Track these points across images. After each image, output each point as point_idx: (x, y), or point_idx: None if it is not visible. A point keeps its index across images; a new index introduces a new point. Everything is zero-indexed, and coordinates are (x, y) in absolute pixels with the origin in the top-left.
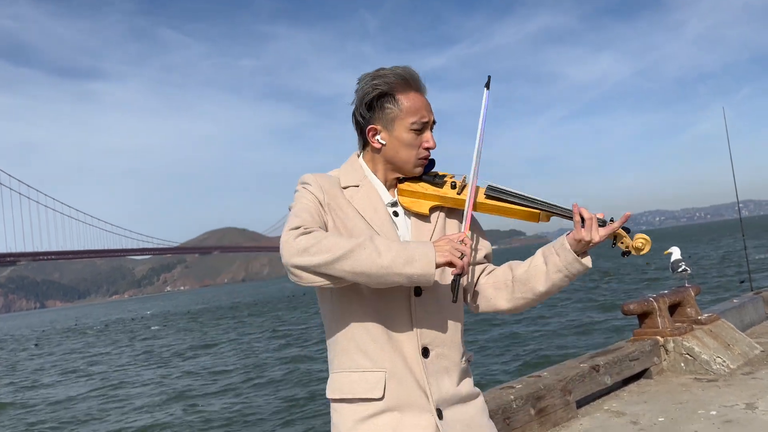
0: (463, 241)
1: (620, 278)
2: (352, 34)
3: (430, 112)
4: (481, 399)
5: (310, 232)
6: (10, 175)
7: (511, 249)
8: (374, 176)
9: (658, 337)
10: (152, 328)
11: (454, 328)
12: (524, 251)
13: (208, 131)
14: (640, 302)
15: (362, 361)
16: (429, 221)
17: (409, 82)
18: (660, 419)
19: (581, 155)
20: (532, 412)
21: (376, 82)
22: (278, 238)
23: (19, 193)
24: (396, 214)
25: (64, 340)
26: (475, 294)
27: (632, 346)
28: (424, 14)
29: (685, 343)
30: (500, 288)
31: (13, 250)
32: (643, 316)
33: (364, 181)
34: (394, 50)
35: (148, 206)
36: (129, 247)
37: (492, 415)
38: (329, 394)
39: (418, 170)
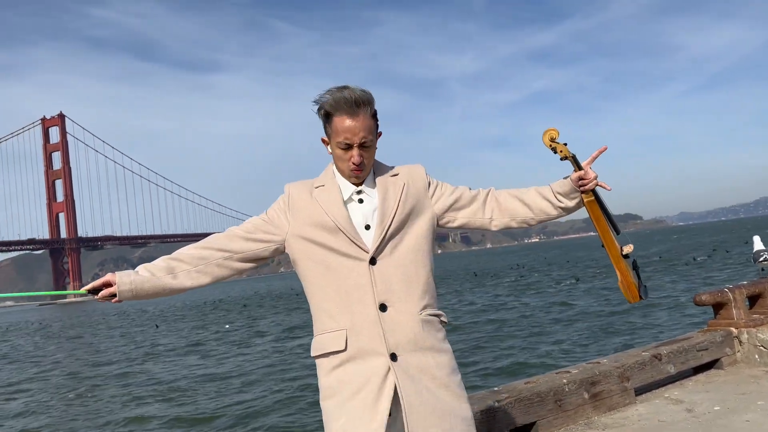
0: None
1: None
2: (456, 14)
3: (355, 135)
4: (446, 356)
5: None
6: (139, 163)
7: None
8: (339, 175)
9: (732, 329)
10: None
11: (411, 286)
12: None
13: (313, 117)
14: (714, 293)
15: (329, 323)
16: (391, 203)
17: (344, 106)
18: (716, 408)
19: (701, 133)
20: (586, 396)
21: (324, 101)
22: None
23: (148, 180)
24: (361, 201)
25: (180, 319)
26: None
27: (702, 336)
28: None
29: (759, 335)
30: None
31: (144, 233)
32: (718, 306)
33: (329, 181)
34: (499, 27)
35: (261, 191)
36: None
37: (543, 397)
38: (311, 353)
39: (353, 180)
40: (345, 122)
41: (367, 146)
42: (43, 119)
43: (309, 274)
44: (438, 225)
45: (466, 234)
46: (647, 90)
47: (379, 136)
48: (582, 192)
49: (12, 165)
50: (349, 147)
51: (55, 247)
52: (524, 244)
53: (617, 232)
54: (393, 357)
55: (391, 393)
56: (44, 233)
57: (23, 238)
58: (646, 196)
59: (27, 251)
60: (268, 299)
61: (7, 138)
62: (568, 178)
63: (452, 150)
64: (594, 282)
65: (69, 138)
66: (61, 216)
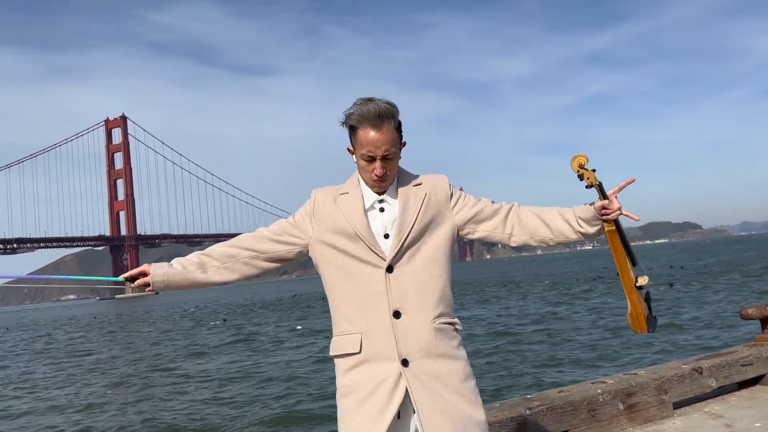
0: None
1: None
2: (510, 17)
3: (378, 148)
4: (460, 363)
5: (226, 243)
6: (196, 164)
7: (686, 243)
8: (363, 183)
9: None
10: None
11: (426, 295)
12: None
13: None
14: (761, 307)
15: (346, 326)
16: (411, 212)
17: (368, 120)
18: (756, 425)
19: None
20: (621, 407)
21: (350, 114)
22: None
23: (204, 181)
24: (382, 209)
25: (241, 316)
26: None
27: (747, 351)
28: None
29: None
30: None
31: (199, 232)
32: (766, 321)
33: (353, 189)
34: (554, 31)
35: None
36: None
37: (576, 407)
38: (330, 353)
39: (375, 189)
40: (369, 135)
41: (389, 158)
42: (107, 120)
43: (329, 278)
44: (458, 236)
45: None
46: (709, 95)
47: (403, 146)
48: (604, 221)
49: (77, 164)
50: (372, 159)
51: (115, 244)
52: (576, 251)
53: (634, 263)
54: (404, 362)
55: (402, 396)
56: (105, 230)
57: (86, 234)
58: (707, 204)
59: (89, 247)
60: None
61: (72, 138)
62: (592, 205)
63: (504, 154)
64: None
65: (130, 139)
66: (122, 214)
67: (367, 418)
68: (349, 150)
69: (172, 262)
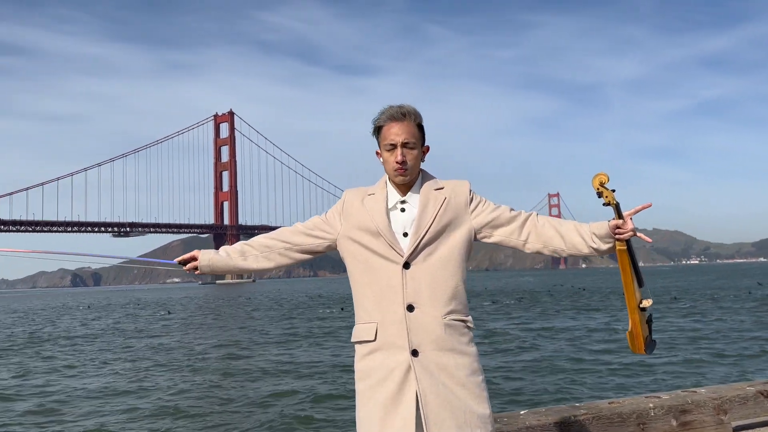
0: None
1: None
2: (621, 17)
3: (398, 136)
4: (468, 358)
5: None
6: (296, 160)
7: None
8: (390, 184)
9: None
10: None
11: (438, 291)
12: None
13: (463, 120)
14: None
15: (364, 315)
16: (429, 214)
17: (391, 116)
18: None
19: None
20: (674, 423)
21: (376, 119)
22: None
23: (302, 176)
24: (403, 210)
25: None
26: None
27: None
28: None
29: None
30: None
31: None
32: None
33: (379, 190)
34: (668, 31)
35: None
36: None
37: (625, 419)
38: (351, 339)
39: (399, 179)
40: (391, 128)
41: (410, 147)
42: (215, 115)
43: (354, 271)
44: (475, 239)
45: None
46: None
47: (426, 150)
48: (617, 240)
49: (187, 155)
50: (393, 147)
51: (218, 232)
52: (681, 265)
53: (640, 284)
54: (414, 353)
55: (413, 385)
56: (209, 219)
57: (192, 222)
58: None
59: (195, 234)
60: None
61: (184, 131)
62: (608, 223)
63: (609, 159)
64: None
65: (236, 134)
66: (225, 204)
67: (383, 404)
68: (377, 154)
69: (219, 250)
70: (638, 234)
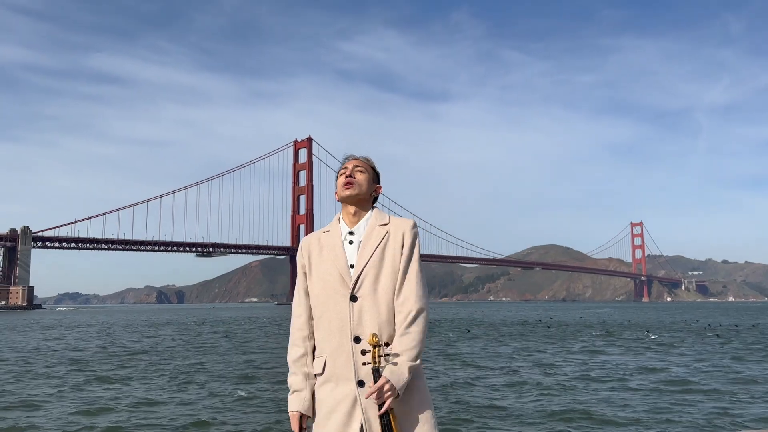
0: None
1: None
2: (710, 40)
3: (349, 164)
4: (412, 390)
5: (292, 328)
6: None
7: None
8: (342, 219)
9: None
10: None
11: (384, 324)
12: None
13: (541, 147)
14: None
15: (318, 348)
16: (370, 247)
17: (347, 158)
18: None
19: None
20: None
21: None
22: (606, 260)
23: (379, 203)
24: (351, 242)
25: None
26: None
27: None
28: None
29: None
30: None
31: None
32: None
33: (333, 226)
34: (759, 54)
35: (478, 217)
36: (460, 255)
37: None
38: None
39: (346, 192)
40: (346, 163)
41: (360, 170)
42: (295, 141)
43: (312, 304)
44: None
45: (703, 283)
46: None
47: (377, 191)
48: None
49: (267, 180)
50: (345, 170)
51: (294, 254)
52: None
53: None
54: (360, 384)
55: (360, 415)
56: (286, 241)
57: (270, 243)
58: None
59: (272, 255)
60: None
61: (265, 157)
62: (386, 380)
63: (696, 188)
64: None
65: (314, 159)
66: (302, 227)
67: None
68: (336, 196)
69: (299, 393)
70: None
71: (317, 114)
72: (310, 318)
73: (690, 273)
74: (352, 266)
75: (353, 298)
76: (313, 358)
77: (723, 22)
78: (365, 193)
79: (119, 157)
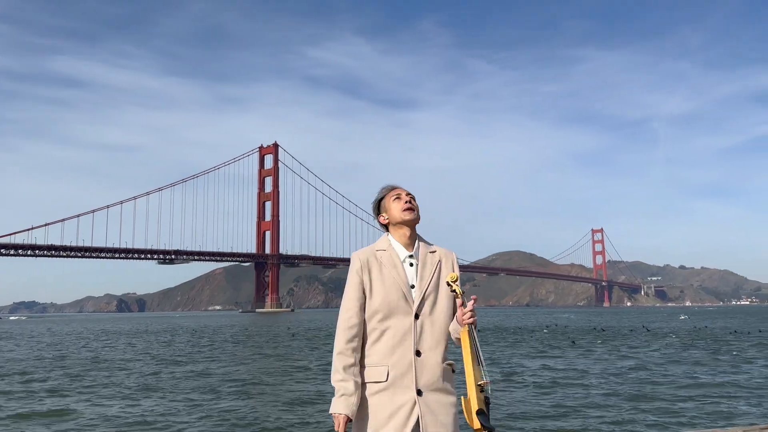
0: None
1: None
2: (670, 52)
3: (402, 191)
4: (454, 397)
5: (339, 338)
6: (336, 191)
7: None
8: (394, 242)
9: None
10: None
11: (439, 340)
12: None
13: (507, 155)
14: None
15: (375, 358)
16: (428, 271)
17: (392, 186)
18: None
19: None
20: None
21: (376, 198)
22: (568, 266)
23: (343, 207)
24: (411, 264)
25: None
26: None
27: None
28: (760, 26)
29: None
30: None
31: (335, 255)
32: None
33: (388, 247)
34: (717, 67)
35: (444, 224)
36: None
37: None
38: (365, 379)
39: (408, 215)
40: (395, 189)
41: (413, 198)
42: (261, 147)
43: (372, 318)
44: None
45: (661, 288)
46: None
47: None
48: (460, 324)
49: (232, 186)
50: (399, 196)
51: (259, 261)
52: (730, 306)
53: (479, 362)
54: (419, 393)
55: (415, 420)
56: (251, 248)
57: (234, 250)
58: None
59: (237, 262)
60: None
61: (230, 162)
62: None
63: (656, 196)
64: None
65: (280, 165)
66: (267, 234)
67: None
68: (379, 220)
69: (349, 398)
70: (466, 310)
71: (285, 120)
72: (362, 331)
73: (649, 278)
74: (412, 286)
75: (416, 316)
76: (362, 367)
77: (682, 36)
78: (418, 219)
79: (81, 162)
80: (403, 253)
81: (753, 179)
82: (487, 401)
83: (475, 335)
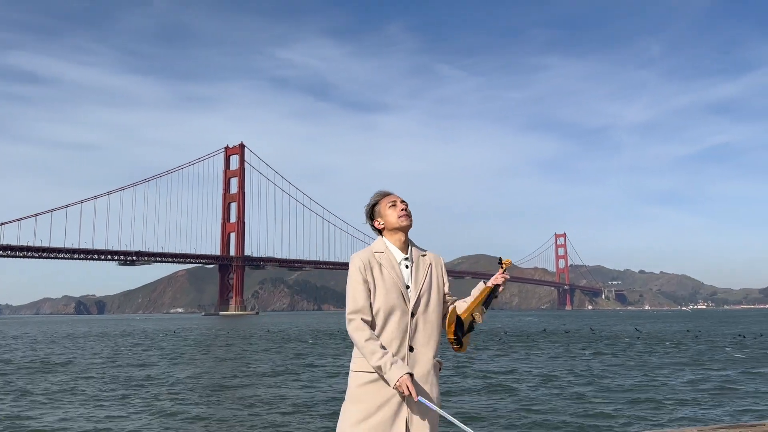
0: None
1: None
2: (630, 62)
3: (397, 198)
4: (438, 395)
5: (360, 330)
6: (303, 193)
7: None
8: (390, 245)
9: None
10: None
11: (432, 338)
12: None
13: (472, 160)
14: None
15: None
16: (422, 273)
17: (387, 192)
18: None
19: None
20: None
21: (370, 202)
22: (531, 270)
23: (310, 209)
24: (407, 266)
25: (330, 341)
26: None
27: None
28: (718, 37)
29: None
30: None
31: (301, 257)
32: None
33: (385, 249)
34: (677, 77)
35: (418, 227)
36: None
37: None
38: (352, 367)
39: (404, 221)
40: (389, 195)
41: (407, 205)
42: (226, 147)
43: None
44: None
45: (621, 292)
46: None
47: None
48: (490, 282)
49: (196, 187)
50: (394, 203)
51: (224, 263)
52: (688, 310)
53: (486, 308)
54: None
55: (406, 412)
56: (216, 250)
57: (198, 252)
58: None
59: (200, 264)
60: None
61: (194, 162)
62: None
63: (617, 202)
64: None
65: (246, 166)
66: (232, 236)
67: (378, 423)
68: (372, 226)
69: (399, 361)
70: (503, 273)
71: (251, 120)
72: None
73: (610, 282)
74: (407, 287)
75: (412, 314)
76: (358, 356)
77: (643, 46)
78: (412, 225)
79: (40, 160)
80: (399, 255)
81: (708, 187)
82: (471, 327)
83: (493, 296)
